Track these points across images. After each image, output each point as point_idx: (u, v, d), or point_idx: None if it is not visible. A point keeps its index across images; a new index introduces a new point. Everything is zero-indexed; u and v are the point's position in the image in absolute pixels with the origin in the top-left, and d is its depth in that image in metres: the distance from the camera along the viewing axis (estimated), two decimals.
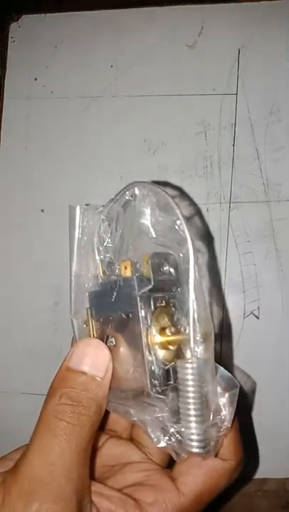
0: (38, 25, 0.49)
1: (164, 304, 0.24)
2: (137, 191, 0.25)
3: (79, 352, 0.23)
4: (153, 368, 0.23)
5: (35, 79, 0.48)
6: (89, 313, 0.26)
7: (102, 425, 0.28)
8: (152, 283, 0.24)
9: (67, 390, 0.22)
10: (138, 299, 0.23)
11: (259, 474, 0.42)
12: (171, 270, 0.25)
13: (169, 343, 0.23)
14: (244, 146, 0.44)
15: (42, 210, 0.47)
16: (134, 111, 0.46)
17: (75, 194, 0.46)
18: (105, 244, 0.26)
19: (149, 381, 0.23)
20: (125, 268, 0.24)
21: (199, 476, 0.24)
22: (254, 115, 0.44)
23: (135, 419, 0.23)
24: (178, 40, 0.46)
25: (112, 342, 0.24)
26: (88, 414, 0.22)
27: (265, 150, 0.44)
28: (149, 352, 0.23)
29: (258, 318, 0.43)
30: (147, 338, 0.23)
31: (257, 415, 0.42)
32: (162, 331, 0.24)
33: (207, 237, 0.44)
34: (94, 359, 0.23)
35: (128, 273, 0.24)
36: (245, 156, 0.44)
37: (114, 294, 0.24)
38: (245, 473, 0.42)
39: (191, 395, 0.22)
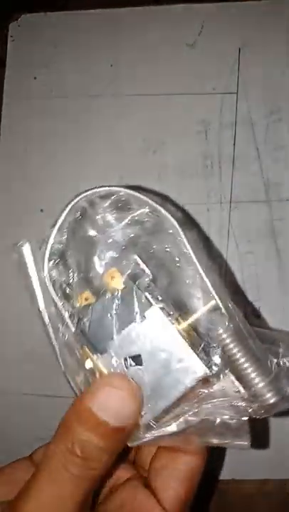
0: (37, 24, 0.49)
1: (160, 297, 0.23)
2: (85, 204, 0.24)
3: (103, 395, 0.21)
4: (198, 352, 0.22)
5: (35, 78, 0.48)
6: (88, 351, 0.23)
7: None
8: (150, 274, 0.22)
9: (82, 440, 0.20)
10: (148, 297, 0.22)
11: (259, 475, 0.42)
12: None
13: (191, 327, 0.22)
14: (245, 145, 0.44)
15: (41, 210, 0.47)
16: (134, 110, 0.46)
17: (75, 194, 0.46)
18: (70, 274, 0.24)
19: (204, 364, 0.21)
20: (113, 279, 0.23)
21: (178, 485, 0.24)
22: (254, 114, 0.44)
23: (218, 420, 0.22)
24: (178, 39, 0.46)
25: (131, 364, 0.22)
26: (98, 467, 0.20)
27: (265, 149, 0.44)
28: (187, 339, 0.22)
29: (258, 318, 0.43)
30: (179, 326, 0.22)
31: None
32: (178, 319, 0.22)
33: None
34: (119, 407, 0.21)
35: (117, 283, 0.22)
36: (245, 156, 0.44)
37: (114, 310, 0.22)
38: (246, 474, 0.42)
39: (240, 354, 0.21)
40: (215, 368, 0.22)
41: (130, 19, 0.47)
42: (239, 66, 0.45)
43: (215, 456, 0.40)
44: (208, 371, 0.22)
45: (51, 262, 0.24)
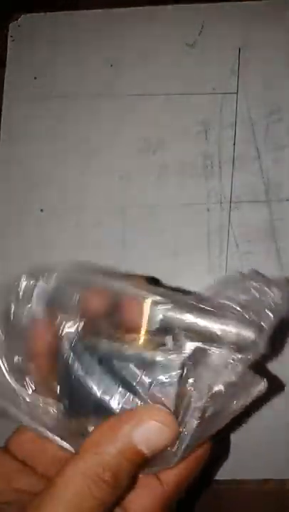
0: (37, 24, 0.49)
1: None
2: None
3: (147, 427, 0.21)
4: (164, 348, 0.22)
5: (35, 78, 0.48)
6: (82, 419, 0.23)
7: None
8: (79, 320, 0.22)
9: (114, 467, 0.20)
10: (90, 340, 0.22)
11: (259, 475, 0.42)
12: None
13: (148, 334, 0.22)
14: (245, 145, 0.44)
15: (41, 210, 0.47)
16: (134, 110, 0.46)
17: (75, 194, 0.46)
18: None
19: (176, 353, 0.21)
20: (64, 327, 0.23)
21: (181, 467, 0.24)
22: (254, 114, 0.44)
23: (222, 385, 0.22)
24: (178, 39, 0.46)
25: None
26: (122, 492, 0.21)
27: (265, 149, 0.44)
28: (150, 345, 0.22)
29: None
30: (139, 341, 0.22)
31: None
32: (131, 336, 0.23)
33: None
34: (160, 442, 0.21)
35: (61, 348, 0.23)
36: (245, 156, 0.44)
37: (73, 371, 0.22)
38: (246, 474, 0.42)
39: (198, 321, 0.21)
40: (185, 349, 0.22)
41: (130, 19, 0.47)
42: (239, 66, 0.45)
43: (215, 456, 0.40)
44: (181, 357, 0.21)
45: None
